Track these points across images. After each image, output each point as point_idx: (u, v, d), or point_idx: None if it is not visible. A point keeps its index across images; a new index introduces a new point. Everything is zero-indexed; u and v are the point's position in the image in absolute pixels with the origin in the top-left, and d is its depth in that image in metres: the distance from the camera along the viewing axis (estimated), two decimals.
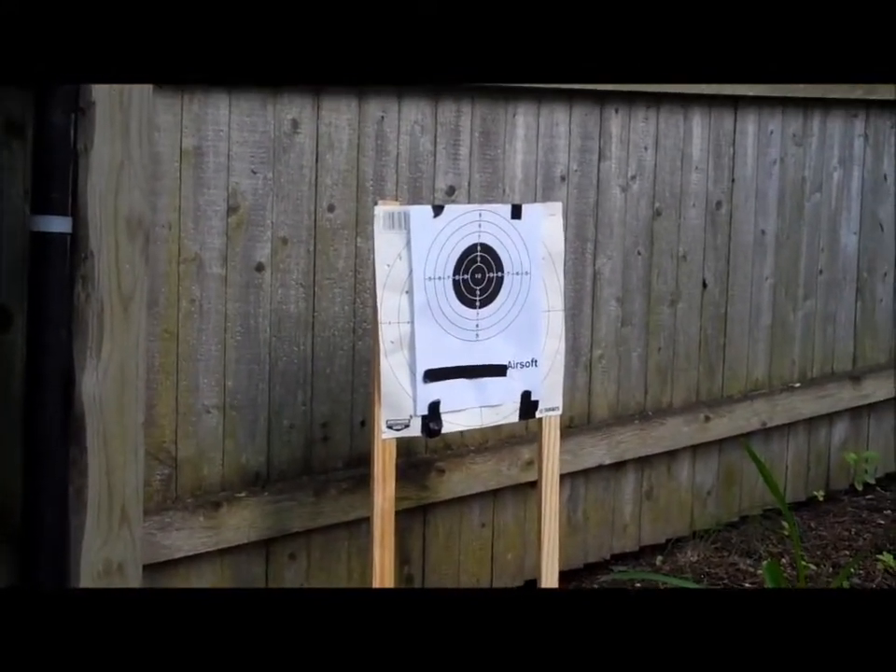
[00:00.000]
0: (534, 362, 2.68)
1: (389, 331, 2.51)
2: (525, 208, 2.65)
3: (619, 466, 3.53)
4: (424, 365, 2.54)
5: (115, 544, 2.41)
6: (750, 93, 3.70)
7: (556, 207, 2.72)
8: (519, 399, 2.68)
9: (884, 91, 4.14)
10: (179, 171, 2.61)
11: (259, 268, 2.76)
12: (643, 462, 3.60)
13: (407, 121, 2.98)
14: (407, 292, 2.52)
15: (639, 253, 3.54)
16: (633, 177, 3.50)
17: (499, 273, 2.62)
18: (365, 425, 2.95)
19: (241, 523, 2.71)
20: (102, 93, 2.32)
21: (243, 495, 2.74)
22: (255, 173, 2.73)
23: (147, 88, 2.38)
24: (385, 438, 2.53)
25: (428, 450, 3.11)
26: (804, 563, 3.49)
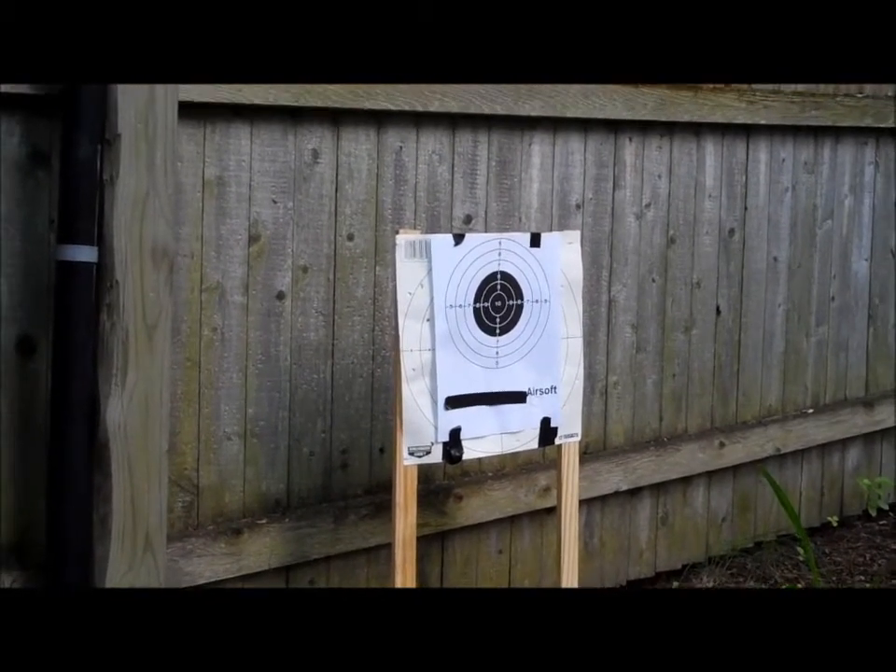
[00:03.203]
0: (553, 389, 2.70)
1: (411, 359, 2.53)
2: (544, 237, 2.68)
3: (635, 492, 3.54)
4: (445, 392, 2.56)
5: (138, 571, 2.43)
6: (763, 122, 3.74)
7: (574, 236, 2.74)
8: (538, 426, 2.70)
9: (893, 119, 4.17)
10: (202, 201, 2.64)
11: (280, 296, 2.78)
12: (658, 488, 3.61)
13: (425, 151, 3.01)
14: (428, 320, 2.54)
15: (654, 280, 3.57)
16: (647, 205, 3.53)
17: (519, 301, 2.65)
18: (384, 452, 2.97)
19: (261, 549, 2.73)
20: (127, 124, 2.35)
21: (263, 521, 2.75)
22: (275, 202, 2.76)
23: (173, 119, 2.41)
24: (406, 464, 2.54)
25: (447, 476, 3.13)
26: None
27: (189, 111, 2.54)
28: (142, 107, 2.37)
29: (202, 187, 2.64)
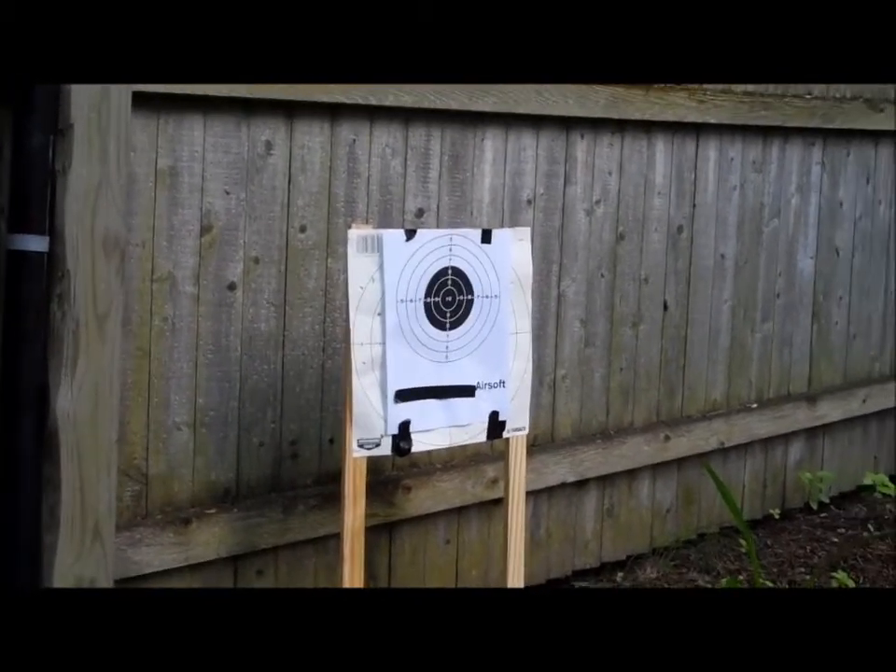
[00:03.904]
0: (502, 383, 2.73)
1: (361, 352, 2.55)
2: (495, 233, 2.71)
3: (581, 484, 3.59)
4: (395, 385, 2.58)
5: (87, 560, 2.43)
6: (712, 121, 3.79)
7: (525, 232, 2.77)
8: (487, 420, 2.73)
9: (840, 120, 4.24)
10: (154, 191, 2.64)
11: (232, 287, 2.79)
12: (605, 480, 3.66)
13: (378, 144, 3.03)
14: (379, 314, 2.56)
15: (603, 276, 3.61)
16: (597, 202, 3.57)
17: (469, 296, 2.68)
18: (334, 442, 2.99)
19: (210, 539, 2.74)
20: (80, 115, 2.35)
21: (212, 511, 2.77)
22: (228, 193, 2.77)
23: (126, 110, 2.41)
24: (356, 457, 2.57)
25: (395, 468, 3.16)
26: (761, 580, 3.56)
27: (143, 101, 2.53)
28: (95, 97, 2.37)
29: (154, 177, 2.64)
